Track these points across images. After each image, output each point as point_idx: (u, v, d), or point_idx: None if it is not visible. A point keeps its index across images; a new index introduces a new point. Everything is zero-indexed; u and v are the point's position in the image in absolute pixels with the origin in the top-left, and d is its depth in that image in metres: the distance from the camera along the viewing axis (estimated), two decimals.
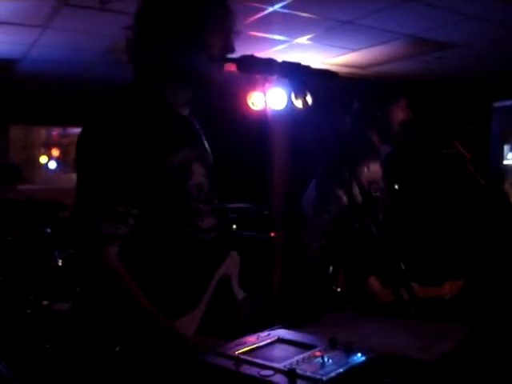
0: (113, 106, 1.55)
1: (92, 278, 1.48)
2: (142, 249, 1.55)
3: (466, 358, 1.69)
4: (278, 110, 5.92)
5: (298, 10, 3.94)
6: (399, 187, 2.66)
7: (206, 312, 1.60)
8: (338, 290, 2.37)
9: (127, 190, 1.46)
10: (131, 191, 1.46)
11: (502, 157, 6.92)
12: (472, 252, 2.60)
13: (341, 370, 1.27)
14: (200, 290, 1.61)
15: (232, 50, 1.64)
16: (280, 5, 3.80)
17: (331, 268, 2.44)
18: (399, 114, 2.63)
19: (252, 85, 5.86)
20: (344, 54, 5.21)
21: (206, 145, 1.76)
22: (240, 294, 1.75)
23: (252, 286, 1.82)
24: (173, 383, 1.44)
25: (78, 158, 1.54)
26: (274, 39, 4.63)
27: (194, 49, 1.57)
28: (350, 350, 1.35)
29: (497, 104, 6.62)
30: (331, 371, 1.25)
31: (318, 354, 1.35)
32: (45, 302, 3.39)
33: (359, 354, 1.35)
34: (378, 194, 2.61)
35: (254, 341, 1.44)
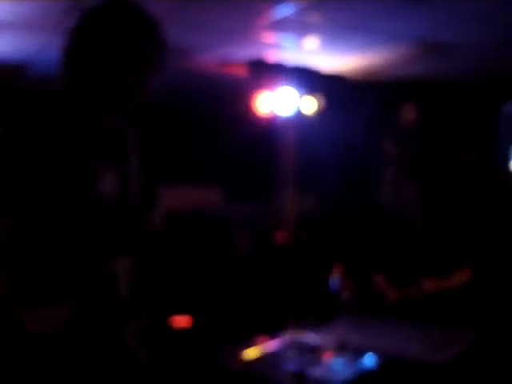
0: (34, 112, 1.70)
1: None
2: (31, 241, 1.57)
3: (474, 362, 1.68)
4: (286, 115, 5.92)
5: (307, 15, 3.94)
6: (410, 188, 2.66)
7: (79, 306, 1.60)
8: (346, 295, 2.37)
9: (20, 190, 1.52)
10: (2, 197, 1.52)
11: (509, 159, 6.88)
12: (478, 240, 2.61)
13: (350, 372, 1.28)
14: (77, 283, 1.61)
15: (166, 64, 1.72)
16: (289, 9, 3.81)
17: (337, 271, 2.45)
18: (409, 117, 2.63)
19: (260, 90, 5.87)
20: (353, 58, 5.20)
21: (136, 159, 1.79)
22: (125, 295, 1.72)
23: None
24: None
25: None
26: (283, 44, 4.63)
27: (128, 66, 1.65)
28: (359, 353, 1.35)
29: (505, 106, 6.59)
30: (341, 374, 1.26)
31: (327, 356, 1.35)
32: None
33: (369, 358, 1.36)
34: (389, 198, 2.62)
35: (263, 343, 1.45)
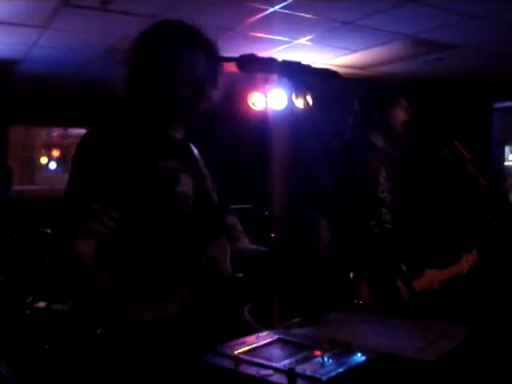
0: (114, 123, 1.77)
1: (64, 265, 1.62)
2: (130, 240, 1.67)
3: (465, 358, 1.68)
4: (278, 110, 5.92)
5: (299, 11, 3.94)
6: (403, 186, 2.67)
7: (189, 292, 1.69)
8: (360, 302, 2.37)
9: (104, 191, 1.62)
10: (109, 193, 1.62)
11: (502, 158, 6.92)
12: (469, 237, 2.63)
13: (340, 369, 1.27)
14: (184, 273, 1.71)
15: (205, 99, 1.81)
16: (281, 5, 3.80)
17: (351, 275, 2.44)
18: (400, 115, 2.63)
19: (252, 85, 5.86)
20: (344, 54, 5.21)
21: (203, 169, 1.95)
22: (230, 273, 1.84)
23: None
24: (172, 382, 1.45)
25: (73, 158, 1.72)
26: (275, 39, 4.63)
27: (183, 86, 1.75)
28: (349, 350, 1.35)
29: (497, 105, 6.62)
30: (331, 371, 1.25)
31: (317, 353, 1.34)
32: (43, 303, 3.39)
33: (359, 354, 1.35)
34: (384, 194, 2.62)
35: (253, 340, 1.44)
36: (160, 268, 1.68)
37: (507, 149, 7.01)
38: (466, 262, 2.70)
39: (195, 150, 1.98)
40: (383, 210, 2.62)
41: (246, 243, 1.98)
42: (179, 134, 1.88)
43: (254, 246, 1.97)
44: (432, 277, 2.55)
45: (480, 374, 1.90)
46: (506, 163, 6.93)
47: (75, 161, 1.70)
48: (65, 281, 1.71)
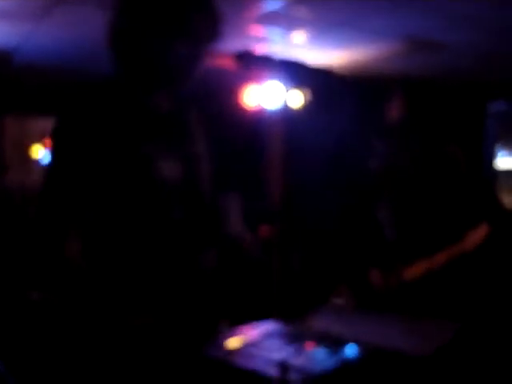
0: (86, 103, 1.57)
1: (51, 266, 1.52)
2: (116, 238, 1.55)
3: (457, 354, 1.71)
4: (273, 108, 5.91)
5: (295, 10, 3.95)
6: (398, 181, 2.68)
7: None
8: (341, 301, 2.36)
9: (83, 189, 1.49)
10: (88, 190, 1.49)
11: (495, 159, 6.96)
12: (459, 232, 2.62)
13: (332, 362, 1.29)
14: (176, 266, 1.60)
15: (220, 36, 1.59)
16: (277, 4, 3.81)
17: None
18: (395, 112, 2.65)
19: (248, 82, 5.86)
20: (340, 53, 5.22)
21: (198, 148, 1.72)
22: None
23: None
24: (166, 375, 1.45)
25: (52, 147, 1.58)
26: (271, 37, 4.63)
27: (177, 38, 1.53)
28: (342, 344, 1.36)
29: (492, 106, 6.65)
30: (323, 363, 1.27)
31: (310, 346, 1.36)
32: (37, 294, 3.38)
33: (351, 348, 1.37)
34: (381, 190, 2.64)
35: (247, 332, 1.45)
36: (149, 266, 1.57)
37: (500, 150, 7.05)
38: (470, 239, 2.64)
39: (192, 123, 1.73)
40: (380, 205, 2.64)
41: (237, 228, 1.82)
42: (166, 106, 1.64)
43: (245, 234, 1.83)
44: (425, 264, 2.52)
45: (472, 369, 1.92)
46: (498, 164, 6.98)
47: (53, 149, 1.57)
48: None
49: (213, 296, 1.66)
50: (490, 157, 6.83)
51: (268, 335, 1.48)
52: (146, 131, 1.56)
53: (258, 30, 4.38)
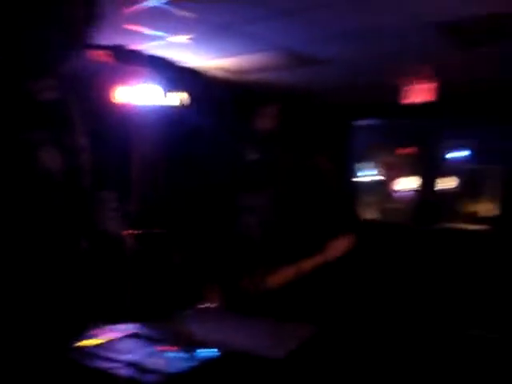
0: None
1: None
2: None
3: (311, 356, 1.79)
4: (145, 107, 5.80)
5: (179, 8, 3.92)
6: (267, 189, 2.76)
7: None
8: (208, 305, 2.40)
9: None
10: None
11: (357, 173, 7.42)
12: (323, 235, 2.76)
13: (189, 364, 1.30)
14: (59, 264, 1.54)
15: (95, 25, 1.55)
16: (162, 1, 3.76)
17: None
18: (267, 122, 2.73)
19: (120, 78, 5.70)
20: (222, 57, 5.27)
21: (81, 139, 1.67)
22: None
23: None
24: (23, 376, 1.38)
25: None
26: (151, 34, 4.56)
27: (51, 27, 1.48)
28: (200, 346, 1.38)
29: (356, 122, 7.08)
30: (179, 365, 1.27)
31: (168, 348, 1.36)
32: None
33: (210, 350, 1.39)
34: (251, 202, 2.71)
35: (108, 334, 1.43)
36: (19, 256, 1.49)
37: (362, 165, 7.53)
38: (331, 250, 2.76)
39: (74, 115, 1.67)
40: (248, 216, 2.70)
41: (113, 225, 1.79)
42: (48, 95, 1.58)
43: (120, 233, 1.81)
44: (287, 272, 2.64)
45: (327, 371, 2.02)
46: (360, 178, 7.45)
47: None
48: None
49: (81, 292, 1.60)
50: (352, 170, 7.26)
51: (127, 337, 1.46)
52: (26, 118, 1.49)
53: (136, 26, 4.30)
